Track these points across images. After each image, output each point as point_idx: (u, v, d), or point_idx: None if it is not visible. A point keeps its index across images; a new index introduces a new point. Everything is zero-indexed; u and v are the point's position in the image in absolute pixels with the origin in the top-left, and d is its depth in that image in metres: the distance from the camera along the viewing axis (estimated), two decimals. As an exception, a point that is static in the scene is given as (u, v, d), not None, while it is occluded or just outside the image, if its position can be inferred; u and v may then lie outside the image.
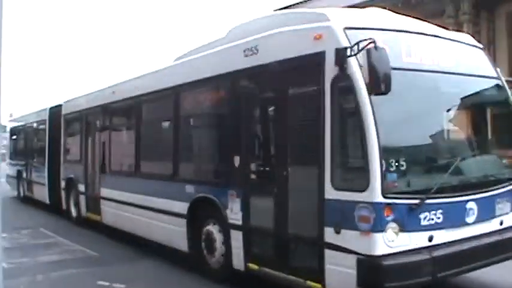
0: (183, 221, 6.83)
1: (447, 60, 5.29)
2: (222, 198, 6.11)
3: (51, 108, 13.33)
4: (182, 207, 6.85)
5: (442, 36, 5.49)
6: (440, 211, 4.67)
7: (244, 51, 5.86)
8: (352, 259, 4.49)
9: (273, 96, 5.72)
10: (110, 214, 9.36)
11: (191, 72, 6.98)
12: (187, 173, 7.12)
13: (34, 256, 8.02)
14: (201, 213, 6.60)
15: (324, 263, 4.77)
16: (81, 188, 10.87)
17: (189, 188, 6.76)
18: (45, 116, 13.56)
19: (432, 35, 5.35)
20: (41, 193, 13.54)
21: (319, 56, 4.82)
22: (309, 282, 4.94)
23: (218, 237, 6.28)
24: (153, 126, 8.44)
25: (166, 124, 7.90)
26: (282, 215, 5.32)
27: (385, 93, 4.27)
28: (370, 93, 4.35)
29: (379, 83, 4.26)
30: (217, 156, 6.73)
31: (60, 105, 12.61)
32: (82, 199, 10.83)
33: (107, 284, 6.29)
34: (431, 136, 5.19)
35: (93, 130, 10.51)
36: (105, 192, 9.61)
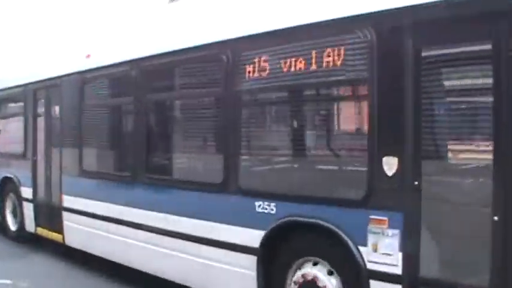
0: (250, 259, 4.21)
1: None
2: (349, 225, 3.61)
3: None
4: (248, 236, 4.24)
5: None
6: None
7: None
8: None
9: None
10: (82, 234, 6.41)
11: (274, 16, 4.28)
12: (259, 180, 4.46)
13: None
14: (287, 246, 4.06)
15: None
16: (27, 192, 7.74)
17: (265, 206, 4.15)
18: None
19: None
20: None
21: None
22: None
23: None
24: (182, 103, 5.43)
25: (208, 99, 4.99)
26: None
27: None
28: None
29: None
30: (339, 155, 4.04)
31: None
32: (28, 208, 7.72)
33: None
34: None
35: (49, 111, 7.44)
36: (71, 201, 6.64)
